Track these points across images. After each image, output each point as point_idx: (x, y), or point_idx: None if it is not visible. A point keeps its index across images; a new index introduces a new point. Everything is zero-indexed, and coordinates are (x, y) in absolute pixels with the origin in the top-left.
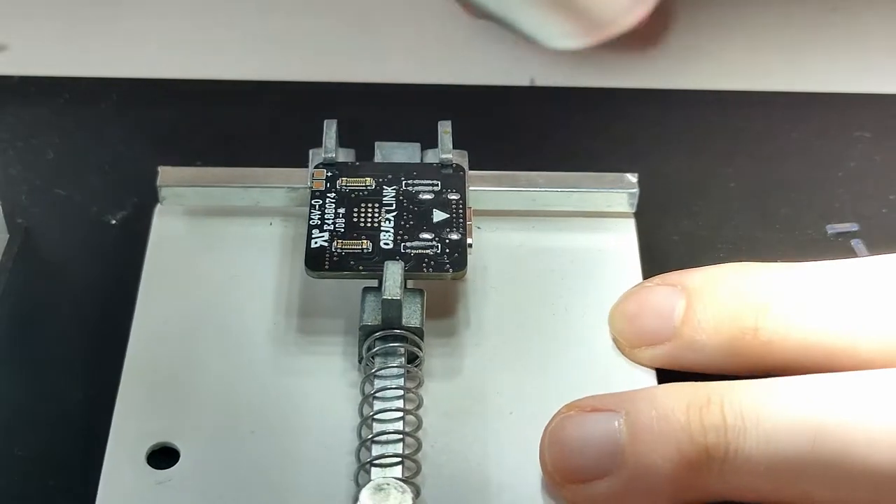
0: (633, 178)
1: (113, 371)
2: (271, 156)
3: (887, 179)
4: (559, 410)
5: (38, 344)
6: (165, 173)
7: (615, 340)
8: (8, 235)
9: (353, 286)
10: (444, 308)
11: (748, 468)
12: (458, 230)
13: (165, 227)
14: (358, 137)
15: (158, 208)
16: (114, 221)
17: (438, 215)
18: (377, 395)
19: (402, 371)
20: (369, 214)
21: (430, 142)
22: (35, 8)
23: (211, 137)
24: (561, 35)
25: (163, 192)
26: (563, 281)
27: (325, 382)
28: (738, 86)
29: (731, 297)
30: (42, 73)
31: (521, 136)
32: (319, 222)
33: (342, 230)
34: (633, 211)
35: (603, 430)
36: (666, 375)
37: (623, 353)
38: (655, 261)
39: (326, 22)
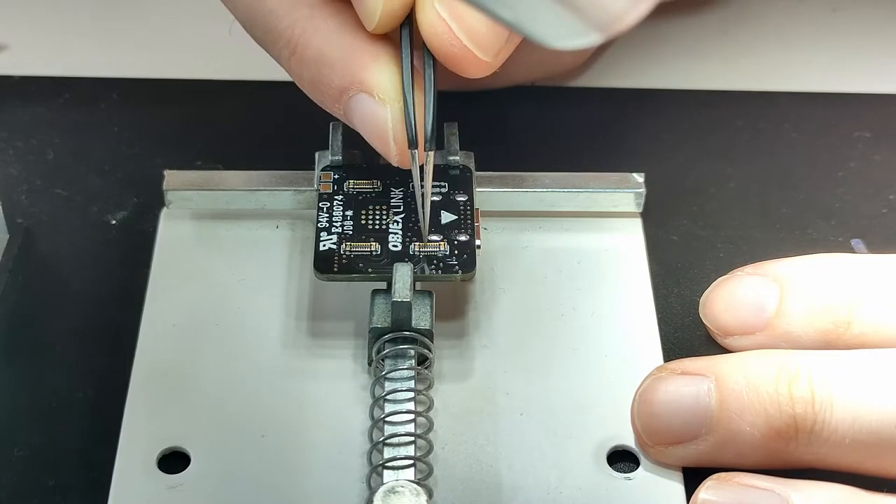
0: (639, 177)
1: (113, 371)
2: (272, 156)
3: (887, 179)
4: (651, 372)
5: (37, 344)
6: (171, 177)
7: (709, 329)
8: (8, 235)
9: (361, 288)
10: (453, 309)
11: (834, 440)
12: (466, 231)
13: (172, 231)
14: (358, 138)
15: (164, 212)
16: (114, 221)
17: (446, 217)
18: (388, 397)
19: (412, 373)
20: (377, 216)
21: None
22: (35, 8)
23: (211, 137)
24: (562, 35)
25: (169, 196)
26: (571, 281)
27: (336, 385)
28: (738, 86)
29: (825, 288)
30: (42, 73)
31: (521, 136)
32: (328, 225)
33: (350, 232)
34: (640, 211)
35: (692, 395)
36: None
37: (717, 341)
38: (656, 261)
39: None
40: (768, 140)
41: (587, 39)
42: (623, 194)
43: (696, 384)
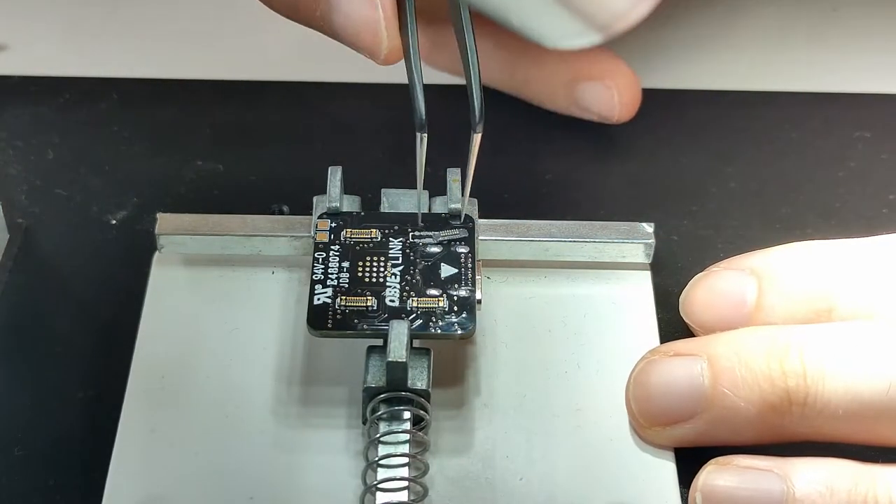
0: (648, 227)
1: (112, 371)
2: (271, 156)
3: (887, 179)
4: (643, 356)
5: (37, 344)
6: (164, 220)
7: (690, 327)
8: (8, 235)
9: (357, 341)
10: (452, 365)
11: (827, 412)
12: (466, 286)
13: (164, 277)
14: (357, 138)
15: (157, 256)
16: (114, 221)
17: (447, 270)
18: (381, 462)
19: (406, 437)
20: (374, 268)
21: (433, 137)
22: (35, 8)
23: (211, 137)
24: (562, 35)
25: (161, 241)
26: (576, 336)
27: (328, 450)
28: (738, 86)
29: (803, 278)
30: (42, 73)
31: (520, 135)
32: (323, 277)
33: (346, 285)
34: (650, 262)
35: (686, 375)
36: None
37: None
38: (656, 262)
39: None
40: (768, 140)
41: (588, 39)
42: (631, 245)
43: (689, 364)
